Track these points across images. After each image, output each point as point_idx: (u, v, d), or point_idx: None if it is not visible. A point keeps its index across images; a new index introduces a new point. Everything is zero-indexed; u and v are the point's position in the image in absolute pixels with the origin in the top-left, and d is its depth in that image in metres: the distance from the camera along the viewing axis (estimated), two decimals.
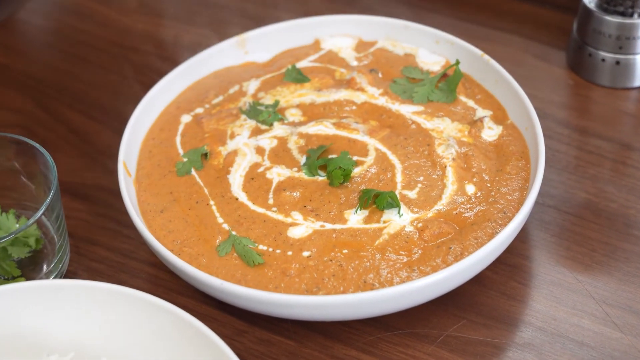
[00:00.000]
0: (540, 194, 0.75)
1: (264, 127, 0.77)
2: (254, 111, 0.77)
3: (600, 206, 0.75)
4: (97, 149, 0.83)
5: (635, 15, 0.81)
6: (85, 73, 0.92)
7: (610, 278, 0.70)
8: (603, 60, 0.83)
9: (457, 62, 0.78)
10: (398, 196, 0.70)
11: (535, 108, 0.74)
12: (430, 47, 0.82)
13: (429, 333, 0.68)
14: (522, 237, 0.73)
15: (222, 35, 0.87)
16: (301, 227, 0.69)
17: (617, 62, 0.83)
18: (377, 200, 0.69)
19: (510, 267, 0.72)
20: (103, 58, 0.93)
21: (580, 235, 0.73)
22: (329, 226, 0.69)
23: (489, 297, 0.70)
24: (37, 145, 0.72)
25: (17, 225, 0.74)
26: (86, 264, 0.74)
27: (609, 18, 0.81)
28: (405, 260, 0.67)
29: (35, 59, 0.95)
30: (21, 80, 0.92)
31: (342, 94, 0.79)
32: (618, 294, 0.69)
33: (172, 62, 0.89)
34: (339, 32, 0.84)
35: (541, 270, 0.72)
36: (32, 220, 0.68)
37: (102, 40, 0.95)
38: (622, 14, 0.81)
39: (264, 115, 0.77)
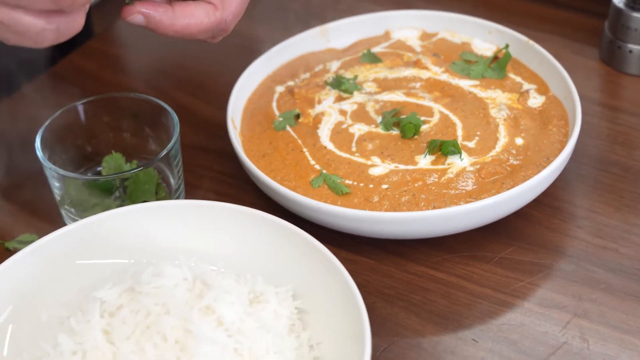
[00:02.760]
0: (576, 153, 0.90)
1: (345, 95, 0.92)
2: (337, 82, 0.93)
3: (628, 165, 0.90)
4: (203, 119, 0.99)
5: None
6: (187, 63, 1.07)
7: (637, 217, 0.84)
8: (630, 51, 0.98)
9: (507, 46, 0.94)
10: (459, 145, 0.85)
11: None
12: (483, 36, 0.97)
13: (485, 255, 0.82)
14: (562, 186, 0.87)
15: (307, 26, 1.02)
16: (379, 167, 0.84)
17: None
18: (442, 147, 0.84)
19: (553, 208, 0.86)
20: (200, 52, 1.09)
21: (611, 186, 0.88)
22: (402, 167, 0.84)
23: (535, 230, 0.84)
24: (161, 102, 0.88)
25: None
26: None
27: (635, 15, 0.96)
28: (465, 191, 0.81)
29: (143, 50, 1.11)
30: (133, 68, 1.08)
31: (410, 72, 0.94)
32: None
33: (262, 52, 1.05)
34: (406, 25, 1.00)
35: (578, 211, 0.86)
36: (159, 157, 0.83)
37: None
38: None
39: (346, 85, 0.92)
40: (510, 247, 0.83)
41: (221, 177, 0.92)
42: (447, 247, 0.83)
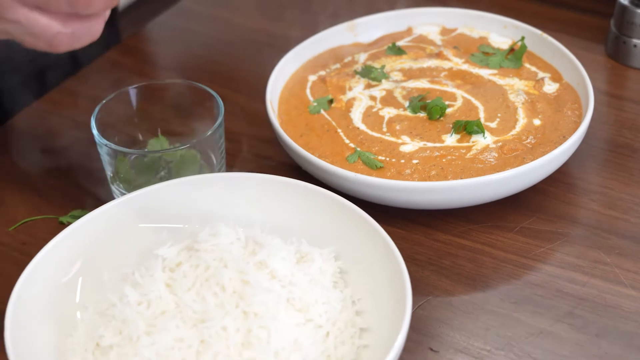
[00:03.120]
0: (588, 137, 0.97)
1: (374, 83, 0.99)
2: (366, 71, 1.00)
3: (636, 146, 0.97)
4: (240, 109, 1.05)
5: None
6: (218, 59, 1.15)
7: None
8: (635, 46, 1.06)
9: (522, 38, 1.01)
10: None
11: None
12: (499, 31, 1.05)
13: (507, 225, 0.89)
14: (575, 165, 0.95)
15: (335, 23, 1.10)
16: (409, 145, 0.91)
17: None
18: (467, 127, 0.91)
19: (567, 184, 0.93)
20: (230, 49, 1.16)
21: (621, 165, 0.95)
22: (430, 144, 0.91)
23: (552, 204, 0.91)
24: (207, 88, 0.94)
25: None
26: None
27: (639, 11, 1.04)
28: (489, 165, 0.88)
29: (174, 49, 1.19)
30: (167, 63, 1.16)
31: (433, 62, 1.02)
32: None
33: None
34: (427, 21, 1.07)
35: (591, 186, 0.93)
36: (204, 135, 0.90)
37: (228, 36, 1.19)
38: None
39: (375, 73, 0.99)
40: (530, 218, 0.90)
41: (260, 160, 0.99)
42: (472, 219, 0.90)
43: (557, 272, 0.85)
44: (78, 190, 0.96)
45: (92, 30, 0.71)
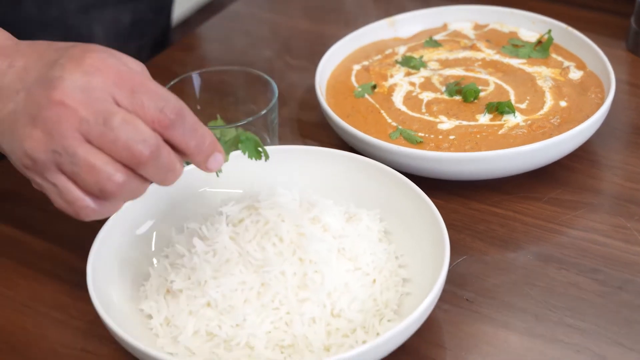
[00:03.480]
0: (610, 120, 1.05)
1: (413, 71, 1.08)
2: (406, 61, 1.09)
3: None
4: (290, 97, 1.15)
5: None
6: (269, 55, 1.25)
7: None
8: None
9: (549, 31, 1.10)
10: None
11: None
12: (528, 26, 1.14)
13: (536, 196, 0.98)
14: (599, 143, 1.03)
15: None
16: (446, 124, 1.00)
17: None
18: (499, 107, 1.00)
19: (591, 161, 1.02)
20: (274, 47, 1.26)
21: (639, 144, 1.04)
22: (465, 123, 1.00)
23: (577, 178, 1.00)
24: (262, 74, 1.04)
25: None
26: None
27: None
28: (519, 140, 0.97)
29: (224, 48, 1.29)
30: (222, 59, 1.26)
31: (467, 54, 1.11)
32: None
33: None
34: (461, 18, 1.17)
35: (613, 163, 1.01)
36: (260, 114, 0.99)
37: (275, 36, 1.29)
38: None
39: (414, 62, 1.09)
40: (556, 190, 0.98)
41: (309, 142, 1.08)
42: (505, 190, 0.99)
43: (581, 235, 0.93)
44: None
45: (115, 208, 0.76)
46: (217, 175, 0.82)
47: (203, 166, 0.77)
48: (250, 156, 0.84)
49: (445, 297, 0.87)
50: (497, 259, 0.92)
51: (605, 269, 0.89)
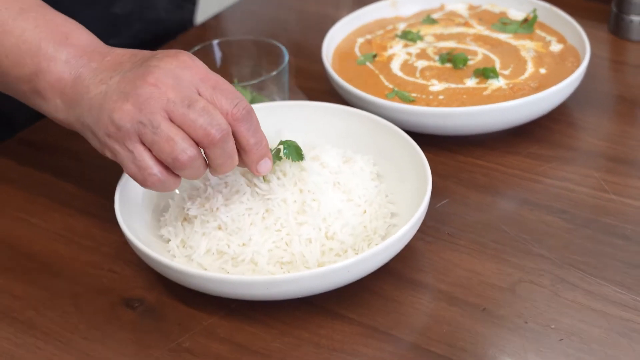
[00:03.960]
0: (587, 87, 1.16)
1: (410, 43, 1.20)
2: (404, 34, 1.21)
3: (628, 97, 1.17)
4: (300, 69, 1.27)
5: None
6: (282, 34, 1.37)
7: (633, 128, 1.11)
8: (631, 21, 1.26)
9: (534, 10, 1.22)
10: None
11: None
12: (517, 7, 1.26)
13: (516, 151, 1.09)
14: (576, 107, 1.15)
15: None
16: (437, 86, 1.12)
17: None
18: (484, 72, 1.12)
19: (568, 123, 1.13)
20: (285, 27, 1.39)
21: (615, 111, 1.15)
22: (454, 85, 1.12)
23: (554, 136, 1.11)
24: (275, 42, 1.16)
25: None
26: None
27: None
28: (501, 100, 1.08)
29: (249, 27, 1.41)
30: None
31: (460, 29, 1.23)
32: None
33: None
34: (456, 0, 1.29)
35: (588, 125, 1.13)
36: (271, 75, 1.11)
37: (290, 17, 1.42)
38: None
39: (411, 35, 1.21)
40: (535, 146, 1.10)
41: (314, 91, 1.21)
42: (488, 145, 1.10)
43: (554, 183, 1.04)
44: None
45: (175, 185, 0.91)
46: (264, 180, 0.95)
47: (254, 166, 0.92)
48: (294, 159, 0.96)
49: (429, 231, 0.99)
50: (477, 201, 1.03)
51: (573, 210, 1.00)
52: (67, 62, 0.93)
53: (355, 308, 0.91)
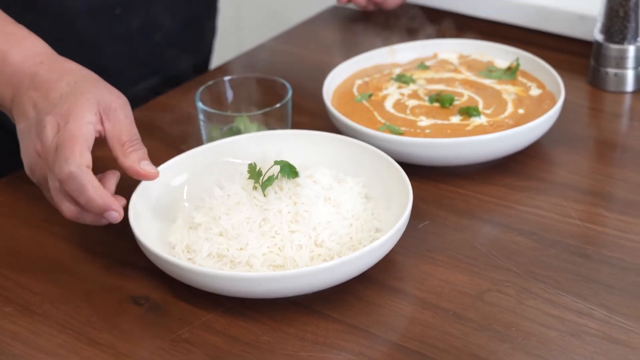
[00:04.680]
0: (562, 128, 1.28)
1: (404, 85, 1.32)
2: (399, 77, 1.34)
3: (600, 138, 1.28)
4: (302, 107, 1.39)
5: (625, 43, 1.36)
6: (288, 79, 1.49)
7: (605, 165, 1.22)
8: (607, 73, 1.38)
9: (517, 59, 1.34)
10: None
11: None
12: (502, 56, 1.38)
13: (494, 182, 1.20)
14: (552, 146, 1.26)
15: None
16: (424, 122, 1.24)
17: (615, 74, 1.37)
18: (468, 111, 1.24)
19: (542, 159, 1.24)
20: (286, 72, 1.51)
21: (586, 149, 1.26)
22: (440, 122, 1.23)
23: (529, 171, 1.22)
24: (280, 79, 1.28)
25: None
26: None
27: (611, 45, 1.36)
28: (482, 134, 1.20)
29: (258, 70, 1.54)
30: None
31: (450, 74, 1.35)
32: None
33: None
34: (449, 49, 1.41)
35: (561, 161, 1.24)
36: (275, 106, 1.23)
37: (296, 65, 1.54)
38: (619, 43, 1.36)
39: (405, 78, 1.33)
40: (511, 178, 1.21)
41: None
42: (468, 176, 1.21)
43: (526, 210, 1.15)
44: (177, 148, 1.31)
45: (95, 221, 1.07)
46: (263, 195, 1.07)
47: (99, 219, 1.09)
48: (288, 177, 1.08)
49: (410, 247, 1.09)
50: (455, 223, 1.14)
51: (541, 232, 1.11)
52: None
53: (339, 309, 1.02)
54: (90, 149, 1.05)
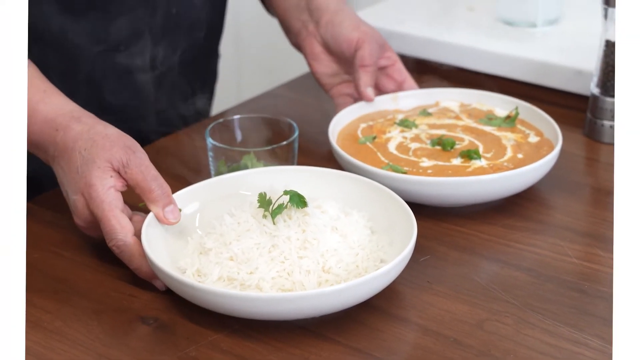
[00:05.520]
0: (558, 176, 1.33)
1: (406, 129, 1.37)
2: (402, 122, 1.39)
3: (595, 186, 1.33)
4: (309, 151, 1.44)
5: None
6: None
7: (599, 209, 1.27)
8: (602, 125, 1.43)
9: (516, 108, 1.40)
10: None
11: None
12: (502, 106, 1.43)
13: (494, 222, 1.24)
14: (548, 191, 1.30)
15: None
16: (426, 163, 1.28)
17: (611, 126, 1.43)
18: (468, 154, 1.28)
19: (539, 203, 1.29)
20: (303, 118, 1.56)
21: (582, 196, 1.31)
22: (441, 163, 1.28)
23: (528, 213, 1.26)
24: (288, 119, 1.33)
25: None
26: None
27: (607, 99, 1.42)
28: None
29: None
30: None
31: (451, 121, 1.40)
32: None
33: None
34: (450, 98, 1.46)
35: (557, 205, 1.29)
36: (282, 143, 1.28)
37: (301, 110, 1.59)
38: (614, 96, 1.42)
39: (408, 123, 1.38)
40: (510, 219, 1.25)
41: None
42: (469, 216, 1.26)
43: (524, 248, 1.19)
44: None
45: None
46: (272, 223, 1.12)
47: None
48: (297, 206, 1.12)
49: (412, 279, 1.13)
50: (455, 258, 1.18)
51: (539, 269, 1.15)
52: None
53: (344, 333, 1.05)
54: (122, 208, 1.13)
